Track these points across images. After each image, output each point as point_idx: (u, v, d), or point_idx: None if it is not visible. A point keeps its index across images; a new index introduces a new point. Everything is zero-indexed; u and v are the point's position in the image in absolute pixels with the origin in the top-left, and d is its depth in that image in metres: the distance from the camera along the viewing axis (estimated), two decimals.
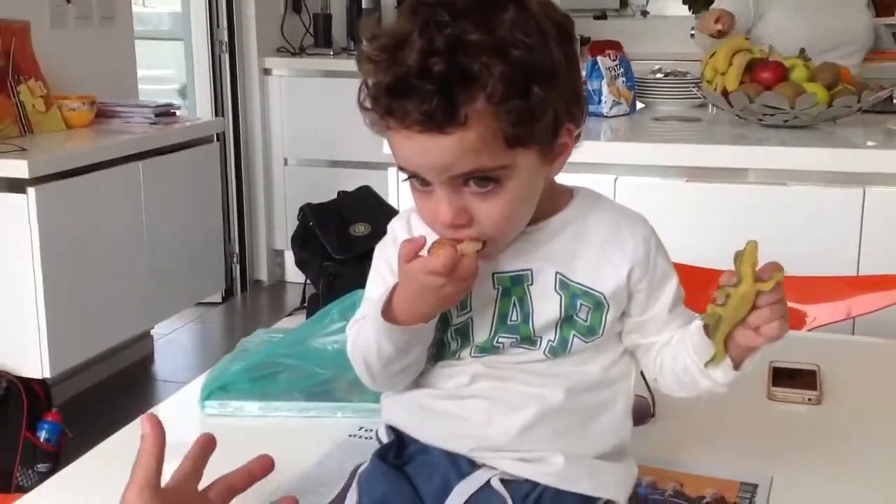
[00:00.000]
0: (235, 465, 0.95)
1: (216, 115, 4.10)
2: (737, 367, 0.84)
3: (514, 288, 0.85)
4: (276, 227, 4.37)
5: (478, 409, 0.84)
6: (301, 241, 1.44)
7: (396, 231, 0.90)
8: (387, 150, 0.86)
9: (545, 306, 0.84)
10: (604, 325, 0.85)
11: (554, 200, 0.86)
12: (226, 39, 4.11)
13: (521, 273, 0.85)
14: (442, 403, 0.86)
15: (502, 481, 0.82)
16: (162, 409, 1.27)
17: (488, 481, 0.82)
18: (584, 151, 2.23)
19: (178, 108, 3.21)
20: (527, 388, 0.84)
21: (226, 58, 4.12)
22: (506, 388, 0.84)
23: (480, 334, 0.85)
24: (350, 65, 4.04)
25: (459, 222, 0.79)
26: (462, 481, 0.82)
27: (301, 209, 1.48)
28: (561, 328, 0.85)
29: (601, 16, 4.51)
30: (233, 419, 1.19)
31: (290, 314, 1.47)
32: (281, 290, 4.39)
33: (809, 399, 1.22)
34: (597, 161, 2.15)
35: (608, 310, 0.85)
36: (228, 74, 4.14)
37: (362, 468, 0.88)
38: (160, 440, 0.88)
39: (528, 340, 0.85)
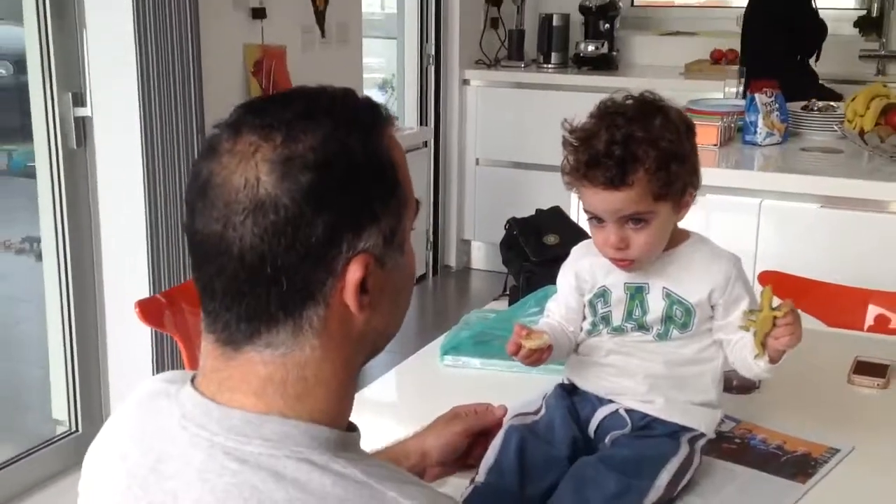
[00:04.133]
0: (465, 401, 1.40)
1: (421, 118, 4.66)
2: (773, 361, 1.29)
3: (637, 294, 1.34)
4: (466, 220, 4.83)
5: (612, 373, 1.35)
6: (507, 245, 1.91)
7: (579, 255, 1.41)
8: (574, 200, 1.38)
9: (655, 307, 1.33)
10: (693, 324, 1.33)
11: (676, 238, 1.35)
12: (433, 53, 4.65)
13: (642, 284, 1.34)
14: (590, 368, 1.37)
15: (626, 411, 1.33)
16: (410, 362, 1.81)
17: (617, 410, 1.33)
18: (735, 177, 2.86)
19: (397, 118, 3.78)
20: (640, 361, 1.34)
21: (432, 69, 4.66)
22: (628, 359, 1.34)
23: (615, 321, 1.36)
24: (538, 77, 4.63)
25: (622, 246, 1.29)
26: (602, 407, 1.34)
27: (508, 221, 1.98)
28: (664, 322, 1.33)
29: None
30: (461, 370, 1.71)
31: (495, 299, 1.95)
32: (466, 275, 4.86)
33: (878, 384, 1.65)
34: (745, 186, 2.59)
35: (695, 314, 1.33)
36: (433, 84, 4.67)
37: (547, 394, 1.41)
38: (489, 418, 1.35)
39: (644, 328, 1.34)
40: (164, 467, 0.82)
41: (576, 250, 1.43)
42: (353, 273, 0.81)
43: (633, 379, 1.34)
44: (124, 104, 2.66)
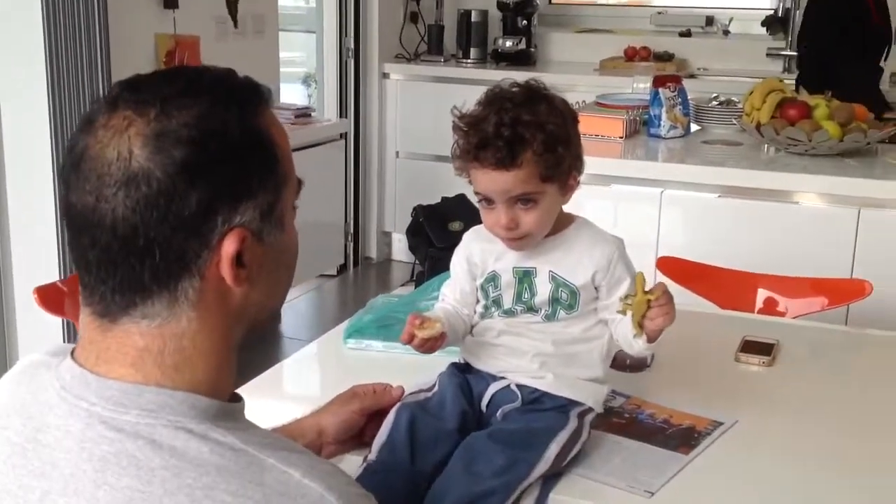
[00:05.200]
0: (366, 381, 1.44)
1: (341, 112, 4.68)
2: (651, 340, 1.34)
3: (525, 277, 1.39)
4: (387, 212, 4.87)
5: (503, 352, 1.40)
6: (413, 231, 1.95)
7: (469, 240, 1.45)
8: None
9: (542, 290, 1.38)
10: (578, 305, 1.38)
11: (561, 222, 1.40)
12: (352, 47, 4.67)
13: (529, 269, 1.39)
14: (483, 348, 1.41)
15: (517, 386, 1.37)
16: (315, 345, 1.85)
17: (508, 385, 1.38)
18: (638, 168, 2.94)
19: (314, 110, 3.81)
20: (530, 341, 1.39)
21: (351, 63, 4.69)
22: (519, 339, 1.39)
23: (505, 304, 1.40)
24: (457, 71, 4.67)
25: (512, 226, 1.33)
26: (494, 383, 1.39)
27: (414, 209, 2.02)
28: (552, 304, 1.38)
29: (686, 33, 4.78)
30: (364, 353, 1.74)
31: (403, 285, 2.00)
32: (388, 267, 4.90)
33: (763, 362, 1.72)
34: (648, 176, 2.67)
35: (580, 296, 1.38)
36: (353, 78, 4.70)
37: (441, 371, 1.44)
38: (386, 398, 1.37)
39: (532, 310, 1.39)
40: (43, 437, 0.83)
41: (467, 236, 1.47)
42: (228, 246, 0.83)
43: (524, 358, 1.39)
44: (31, 91, 2.63)
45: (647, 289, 1.32)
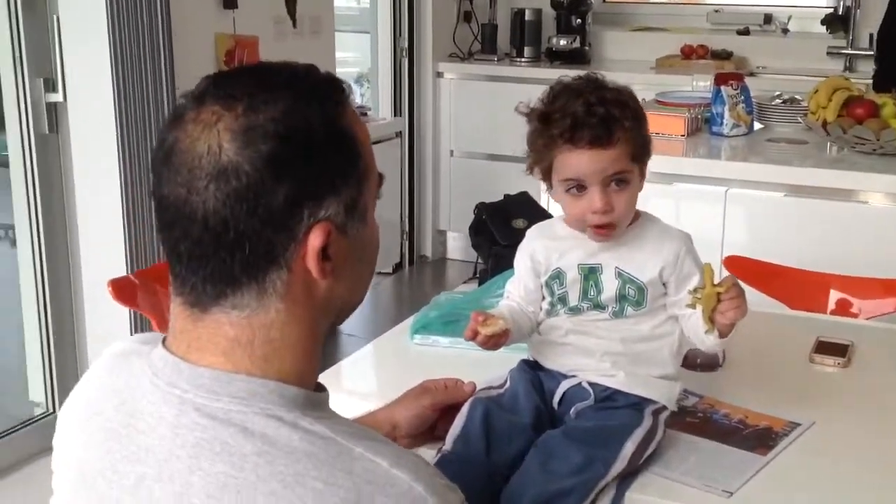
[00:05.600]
0: (434, 378, 1.43)
1: (395, 111, 4.69)
2: (723, 335, 1.32)
3: (591, 274, 1.37)
4: (441, 210, 4.87)
5: (571, 351, 1.38)
6: (476, 229, 1.95)
7: (532, 237, 1.43)
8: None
9: (608, 287, 1.36)
10: (646, 301, 1.36)
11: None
12: (406, 46, 4.69)
13: (595, 265, 1.37)
14: (551, 347, 1.40)
15: (589, 384, 1.36)
16: (383, 340, 1.85)
17: (580, 382, 1.36)
18: (702, 166, 2.90)
19: (370, 109, 3.82)
20: (598, 340, 1.37)
21: (405, 62, 4.70)
22: (586, 338, 1.37)
23: (571, 301, 1.38)
24: (511, 70, 4.67)
25: (608, 209, 1.31)
26: (565, 381, 1.37)
27: (477, 206, 2.02)
28: (619, 301, 1.36)
29: (744, 31, 4.72)
30: (430, 348, 1.74)
31: (465, 282, 1.99)
32: (442, 265, 4.90)
33: (838, 363, 1.69)
34: (712, 175, 2.64)
35: (647, 292, 1.36)
36: (407, 77, 4.71)
37: (511, 368, 1.43)
38: (457, 393, 1.37)
39: (599, 307, 1.37)
40: (137, 422, 0.84)
41: (530, 233, 1.45)
42: (314, 240, 0.84)
43: (593, 357, 1.37)
44: (98, 90, 2.66)
45: (715, 281, 1.30)
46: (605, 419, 1.32)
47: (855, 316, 2.06)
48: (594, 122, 1.28)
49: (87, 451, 0.87)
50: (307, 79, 0.87)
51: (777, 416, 1.47)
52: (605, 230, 1.34)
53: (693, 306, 1.31)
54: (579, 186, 1.32)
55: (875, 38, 3.89)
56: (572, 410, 1.35)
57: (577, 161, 1.31)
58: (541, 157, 1.34)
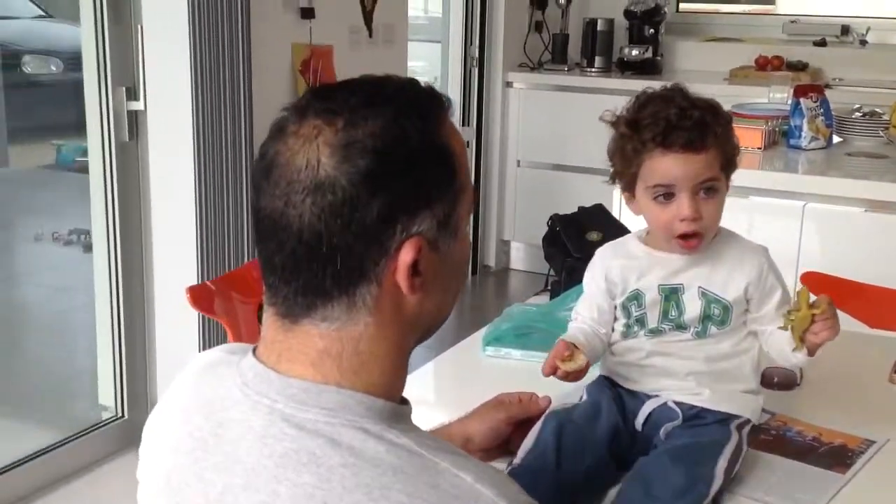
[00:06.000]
0: (505, 391, 1.42)
1: (463, 119, 4.70)
2: (811, 354, 1.30)
3: (672, 295, 1.35)
4: (506, 220, 4.86)
5: (654, 372, 1.36)
6: (549, 241, 1.94)
7: (605, 257, 1.42)
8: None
9: (691, 307, 1.34)
10: (730, 319, 1.34)
11: None
12: (476, 55, 4.69)
13: (676, 286, 1.35)
14: (631, 369, 1.38)
15: (675, 403, 1.34)
16: (452, 352, 1.85)
17: (665, 402, 1.35)
18: (779, 180, 2.86)
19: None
20: (681, 360, 1.35)
21: (475, 72, 4.71)
22: (669, 360, 1.36)
23: (651, 323, 1.37)
24: (581, 80, 4.63)
25: (697, 216, 1.29)
26: (649, 401, 1.36)
27: (551, 217, 2.02)
28: (702, 321, 1.34)
29: (821, 42, 4.64)
30: (502, 361, 1.74)
31: (537, 294, 1.98)
32: (506, 275, 4.88)
33: None
34: (789, 189, 2.60)
35: (732, 310, 1.34)
36: (476, 86, 4.71)
37: (589, 383, 1.42)
38: (532, 407, 1.36)
39: (682, 328, 1.35)
40: (225, 431, 0.85)
41: (602, 252, 1.43)
42: (406, 255, 0.84)
43: (677, 377, 1.35)
44: (177, 99, 2.72)
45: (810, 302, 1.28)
46: (696, 436, 1.30)
47: None
48: (688, 124, 1.27)
49: (174, 460, 0.89)
50: (408, 93, 0.88)
51: (852, 434, 1.44)
52: (693, 241, 1.32)
53: (785, 328, 1.29)
54: (667, 194, 1.30)
55: None
56: (661, 431, 1.33)
57: (668, 165, 1.29)
58: (628, 164, 1.32)
